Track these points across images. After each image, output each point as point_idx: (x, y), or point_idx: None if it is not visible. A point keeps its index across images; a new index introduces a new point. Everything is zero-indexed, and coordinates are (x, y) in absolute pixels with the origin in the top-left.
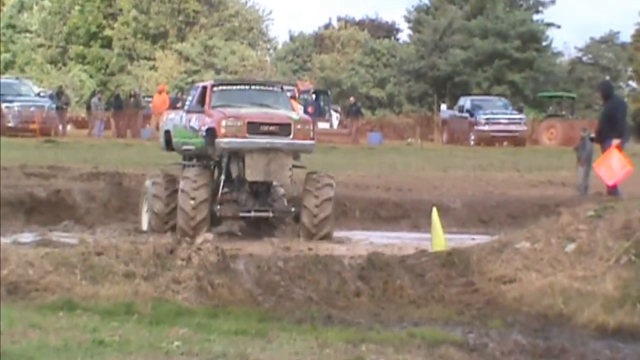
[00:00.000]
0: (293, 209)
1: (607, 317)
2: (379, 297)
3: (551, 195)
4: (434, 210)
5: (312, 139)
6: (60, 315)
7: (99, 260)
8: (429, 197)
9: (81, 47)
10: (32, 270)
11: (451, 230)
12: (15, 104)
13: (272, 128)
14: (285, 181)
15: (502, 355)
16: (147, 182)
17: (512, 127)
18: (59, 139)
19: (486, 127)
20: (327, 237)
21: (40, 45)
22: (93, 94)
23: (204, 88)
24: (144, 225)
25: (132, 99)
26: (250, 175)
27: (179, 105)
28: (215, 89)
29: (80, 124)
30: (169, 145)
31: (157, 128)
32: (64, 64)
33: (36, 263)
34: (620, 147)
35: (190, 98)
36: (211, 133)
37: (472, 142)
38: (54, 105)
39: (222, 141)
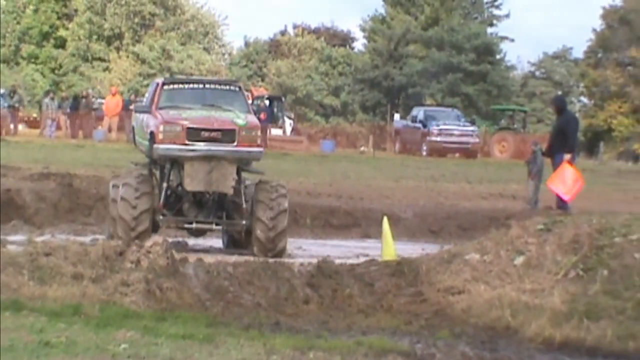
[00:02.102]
0: (244, 222)
1: (554, 331)
2: (327, 305)
3: (501, 207)
4: (385, 219)
5: (259, 145)
6: (7, 315)
7: (47, 261)
8: (380, 206)
9: (33, 47)
10: None
11: (401, 239)
12: None
13: (214, 134)
14: (229, 191)
15: None
16: (112, 184)
17: (464, 139)
18: (10, 138)
19: (439, 138)
20: (282, 252)
21: None
22: (46, 94)
23: (157, 86)
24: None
25: (83, 100)
26: (190, 185)
27: (131, 107)
28: (165, 87)
29: (32, 124)
30: (135, 140)
31: (110, 130)
32: (17, 64)
33: None
34: (571, 162)
35: (147, 95)
36: (152, 137)
37: (424, 153)
38: (6, 104)
39: (160, 147)
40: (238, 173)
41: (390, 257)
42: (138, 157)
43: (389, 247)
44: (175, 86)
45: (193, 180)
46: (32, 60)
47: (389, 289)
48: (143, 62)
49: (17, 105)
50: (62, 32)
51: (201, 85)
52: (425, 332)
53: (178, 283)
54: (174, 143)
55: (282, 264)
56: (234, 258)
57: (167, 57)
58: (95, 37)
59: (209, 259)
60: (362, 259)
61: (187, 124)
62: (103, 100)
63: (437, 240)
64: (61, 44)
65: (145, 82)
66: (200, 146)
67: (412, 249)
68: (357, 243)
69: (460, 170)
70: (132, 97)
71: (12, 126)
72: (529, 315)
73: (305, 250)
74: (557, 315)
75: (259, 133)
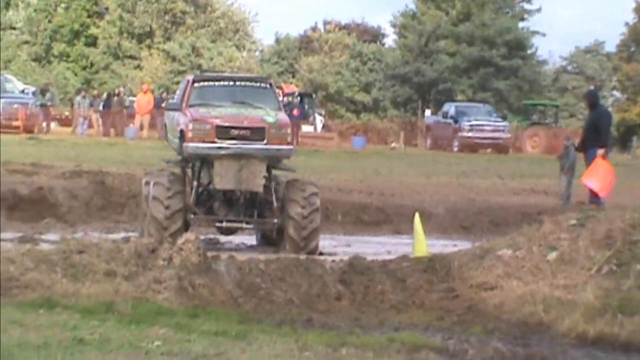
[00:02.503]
0: (275, 220)
1: (587, 326)
2: (359, 302)
3: (534, 203)
4: (417, 215)
5: (289, 143)
6: (41, 312)
7: (80, 258)
8: (411, 203)
9: (65, 45)
10: (13, 267)
11: (433, 236)
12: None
13: (243, 132)
14: (259, 189)
15: None
16: (144, 181)
17: (496, 134)
18: (42, 137)
19: (470, 134)
20: (314, 250)
21: (25, 42)
22: (78, 92)
23: (187, 82)
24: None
25: (115, 98)
26: (220, 183)
27: (163, 105)
28: (195, 84)
29: (64, 122)
30: (167, 138)
31: (141, 128)
32: (49, 62)
33: (17, 260)
34: (604, 157)
35: (178, 92)
36: (182, 136)
37: (455, 149)
38: (37, 103)
39: (189, 146)
40: (268, 171)
41: (422, 254)
42: (170, 154)
43: (421, 244)
44: (206, 83)
45: (223, 179)
46: (64, 58)
47: (421, 285)
48: (174, 59)
49: (49, 103)
50: (93, 30)
51: (232, 83)
52: (458, 328)
53: (210, 280)
54: (204, 141)
55: (314, 261)
56: (265, 255)
57: (197, 55)
58: (126, 35)
59: (240, 256)
60: (394, 256)
61: (216, 122)
62: (134, 98)
63: (469, 236)
64: (92, 42)
65: (176, 80)
66: (230, 144)
67: (444, 245)
68: (388, 239)
69: (491, 166)
70: (164, 94)
71: (44, 124)
72: (562, 311)
73: (337, 246)
74: (590, 310)
75: (288, 131)
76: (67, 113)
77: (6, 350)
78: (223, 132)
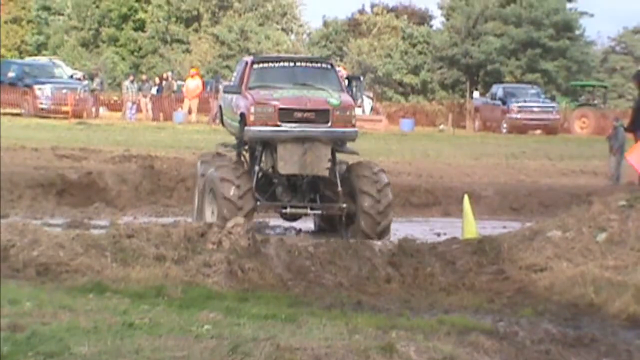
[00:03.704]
0: (344, 205)
1: (638, 307)
2: (409, 284)
3: (583, 184)
4: (466, 197)
5: (354, 125)
6: (90, 297)
7: (130, 242)
8: (460, 185)
9: (113, 30)
10: (63, 252)
11: (482, 217)
12: (48, 85)
13: (307, 115)
14: (324, 173)
15: (532, 344)
16: (202, 166)
17: (545, 116)
18: (91, 121)
19: (519, 115)
20: (388, 229)
21: (74, 28)
22: (126, 77)
23: (245, 64)
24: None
25: (163, 82)
26: (284, 168)
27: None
28: (255, 66)
29: (112, 107)
30: (223, 120)
31: (190, 112)
32: (97, 47)
33: (66, 245)
34: None
35: (234, 74)
36: (243, 119)
37: (504, 130)
38: (87, 88)
39: (251, 129)
40: (332, 154)
41: (471, 235)
42: (220, 138)
43: (470, 225)
44: (265, 65)
45: (287, 163)
46: (112, 43)
47: (471, 267)
48: (222, 43)
49: (98, 88)
50: (141, 15)
51: (292, 64)
52: (508, 310)
53: (260, 263)
54: (266, 124)
55: (363, 243)
56: (314, 238)
57: (245, 39)
58: (173, 19)
59: (289, 239)
60: (443, 238)
61: (279, 104)
62: (183, 83)
63: (519, 217)
64: (140, 26)
65: (225, 64)
66: (294, 127)
67: (493, 227)
68: (437, 221)
69: (540, 147)
70: (215, 81)
71: (93, 109)
72: (612, 292)
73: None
74: None
75: (353, 113)
76: (115, 98)
77: (56, 335)
78: (286, 114)
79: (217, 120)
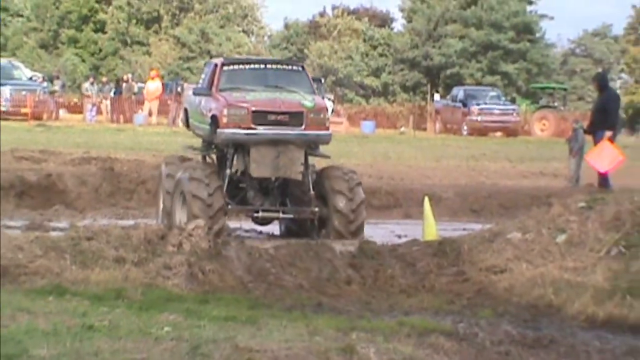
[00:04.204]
0: (316, 209)
1: (597, 309)
2: (369, 286)
3: (543, 186)
4: (426, 199)
5: (328, 128)
6: (50, 299)
7: (89, 245)
8: (421, 186)
9: (73, 31)
10: (22, 254)
11: (443, 219)
12: (7, 87)
13: (281, 117)
14: (297, 177)
15: (491, 345)
16: (167, 168)
17: (505, 118)
18: (51, 123)
19: (479, 118)
20: (361, 228)
21: (33, 29)
22: (86, 79)
23: (215, 67)
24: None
25: (124, 84)
26: (256, 171)
27: (179, 90)
28: (225, 68)
29: (72, 109)
30: (188, 122)
31: (150, 114)
32: (56, 48)
33: (26, 247)
34: (612, 139)
35: (203, 76)
36: (214, 122)
37: (464, 132)
38: (48, 90)
39: (224, 132)
40: (305, 157)
41: (431, 237)
42: (186, 141)
43: (431, 227)
44: (236, 67)
45: (260, 166)
46: (72, 44)
47: (431, 268)
48: (183, 45)
49: (59, 90)
50: (101, 16)
51: (263, 66)
52: (468, 311)
53: (220, 265)
54: (239, 127)
55: (324, 245)
56: (275, 240)
57: (206, 40)
58: (134, 20)
59: (250, 241)
60: (403, 240)
61: (252, 107)
62: (143, 85)
63: (479, 219)
64: (100, 27)
65: (185, 66)
66: (267, 130)
67: (453, 229)
68: (398, 223)
69: (501, 149)
70: (180, 81)
71: (53, 111)
72: (571, 293)
73: None
74: (599, 292)
75: (327, 115)
76: (75, 100)
77: (15, 337)
78: (260, 117)
79: (181, 123)
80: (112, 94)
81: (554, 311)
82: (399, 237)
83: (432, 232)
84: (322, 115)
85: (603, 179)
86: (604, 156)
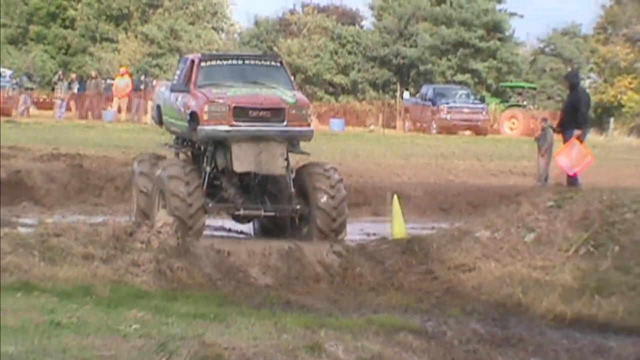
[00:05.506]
0: (298, 207)
1: (565, 307)
2: (338, 284)
3: (512, 184)
4: (395, 197)
5: (309, 124)
6: (18, 296)
7: (58, 241)
8: (390, 185)
9: (42, 27)
10: None
11: (411, 217)
12: None
13: (262, 113)
14: (280, 172)
15: (460, 344)
16: (139, 167)
17: (474, 116)
18: (20, 120)
19: (448, 116)
20: (344, 225)
21: (2, 25)
22: (55, 75)
23: (192, 62)
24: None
25: (92, 81)
26: (239, 167)
27: (142, 87)
28: (202, 64)
29: (41, 105)
30: (161, 119)
31: (119, 111)
32: (25, 44)
33: None
34: (580, 138)
35: (177, 72)
36: (194, 118)
37: (434, 131)
38: (16, 85)
39: (205, 129)
40: (286, 154)
41: (400, 235)
42: (155, 138)
43: (399, 225)
44: (214, 62)
45: (242, 162)
46: (41, 40)
47: (400, 267)
48: (152, 42)
49: (33, 87)
50: (70, 12)
51: (241, 61)
52: (436, 309)
53: (189, 263)
54: (220, 123)
55: (293, 243)
56: (243, 238)
57: (175, 37)
58: (103, 17)
59: (219, 239)
60: (372, 238)
61: (233, 103)
62: (112, 81)
63: (448, 217)
64: (70, 24)
65: (154, 63)
66: (249, 126)
67: (422, 227)
68: (367, 221)
69: (470, 148)
70: (142, 77)
71: (24, 108)
72: (540, 292)
73: None
74: (568, 291)
75: (309, 111)
76: (44, 96)
77: None
78: (241, 113)
79: (151, 120)
80: (76, 90)
81: (523, 310)
82: (368, 235)
83: (401, 231)
84: (304, 112)
85: (572, 178)
86: (572, 156)
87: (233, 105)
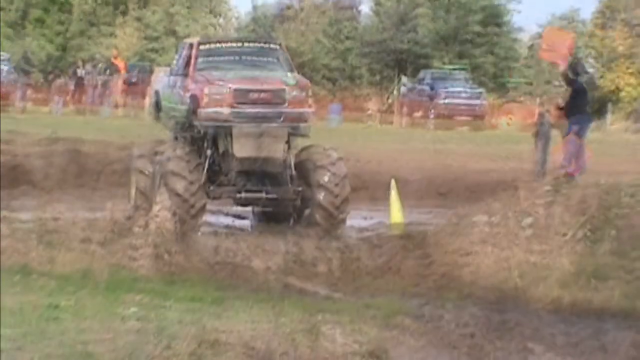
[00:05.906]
0: (300, 188)
1: (562, 292)
2: (336, 268)
3: (509, 169)
4: (393, 182)
5: (310, 106)
6: (17, 279)
7: (56, 225)
8: (387, 170)
9: (41, 12)
10: None
11: (409, 202)
12: None
13: (263, 95)
14: (280, 155)
15: (457, 328)
16: (139, 150)
17: (472, 102)
18: (17, 116)
19: (446, 101)
20: (344, 220)
21: (1, 9)
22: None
23: (191, 46)
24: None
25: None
26: (240, 151)
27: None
28: (201, 47)
29: (37, 102)
30: (159, 106)
31: (116, 106)
32: (23, 28)
33: None
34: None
35: (177, 57)
36: (194, 101)
37: (431, 115)
38: (12, 71)
39: (205, 111)
40: (287, 136)
41: (398, 220)
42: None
43: (397, 210)
44: (213, 46)
45: (243, 146)
46: (39, 25)
47: (397, 251)
48: (147, 26)
49: (30, 70)
50: None
51: (239, 44)
52: (434, 293)
53: (187, 247)
54: (221, 106)
55: (290, 227)
56: (241, 222)
57: (171, 21)
58: (100, 1)
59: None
60: (370, 222)
61: (234, 85)
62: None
63: (445, 202)
64: (67, 9)
65: (150, 46)
66: (250, 109)
67: (420, 212)
68: (365, 206)
69: (468, 133)
70: (136, 72)
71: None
72: (537, 277)
73: None
74: (565, 276)
75: (309, 92)
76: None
77: None
78: (241, 95)
79: (149, 108)
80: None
81: (519, 294)
82: (365, 219)
83: (399, 215)
84: (304, 93)
85: (570, 176)
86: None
87: (233, 87)
